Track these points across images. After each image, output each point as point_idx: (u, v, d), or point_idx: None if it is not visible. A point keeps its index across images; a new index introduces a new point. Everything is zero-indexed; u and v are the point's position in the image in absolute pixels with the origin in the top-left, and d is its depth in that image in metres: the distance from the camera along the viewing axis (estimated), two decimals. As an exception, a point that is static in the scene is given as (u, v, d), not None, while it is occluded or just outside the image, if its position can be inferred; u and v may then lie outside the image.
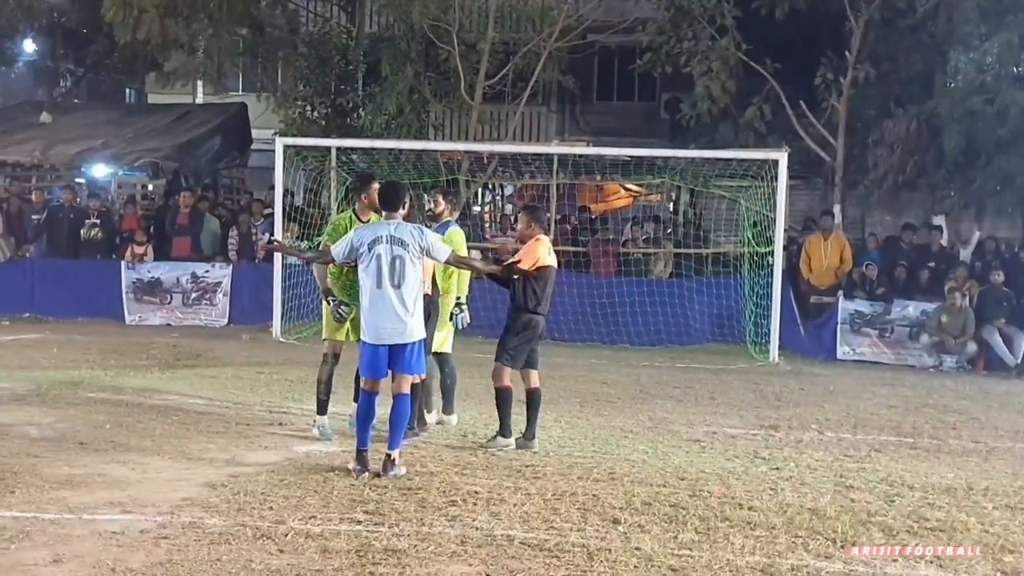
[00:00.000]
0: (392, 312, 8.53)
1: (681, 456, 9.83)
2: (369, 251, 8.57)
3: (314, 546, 6.67)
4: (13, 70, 27.64)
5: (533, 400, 10.10)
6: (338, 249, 8.85)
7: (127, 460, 8.91)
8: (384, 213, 8.90)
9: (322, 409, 10.15)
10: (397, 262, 8.55)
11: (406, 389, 8.75)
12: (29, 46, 26.15)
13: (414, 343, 8.66)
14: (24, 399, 11.67)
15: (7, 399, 11.65)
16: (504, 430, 9.99)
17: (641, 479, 8.72)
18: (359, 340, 8.98)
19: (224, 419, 10.83)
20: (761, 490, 8.52)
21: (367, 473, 8.43)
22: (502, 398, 9.99)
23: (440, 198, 10.91)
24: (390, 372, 8.72)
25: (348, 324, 9.92)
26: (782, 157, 17.41)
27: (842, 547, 7.03)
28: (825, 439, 10.96)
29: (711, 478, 8.87)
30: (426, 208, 11.20)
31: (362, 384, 8.88)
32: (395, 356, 8.64)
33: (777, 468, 9.44)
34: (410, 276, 8.59)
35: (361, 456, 8.55)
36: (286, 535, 6.86)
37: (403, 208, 8.85)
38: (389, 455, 8.55)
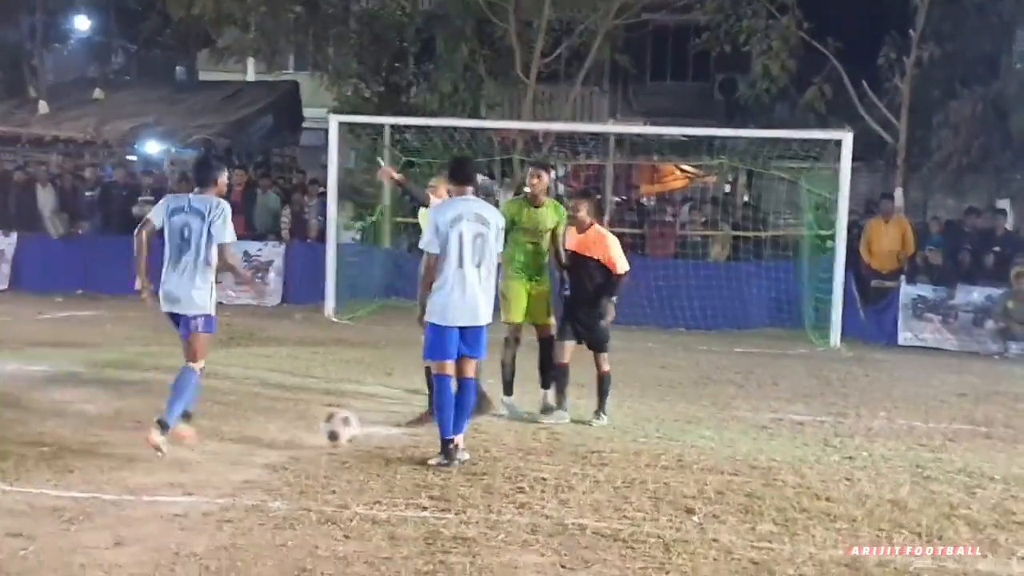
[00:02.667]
0: (473, 293, 8.24)
1: (749, 443, 9.55)
2: (451, 228, 8.24)
3: (381, 532, 6.46)
4: (67, 47, 27.59)
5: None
6: (425, 239, 8.41)
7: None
8: (456, 188, 8.57)
9: (508, 390, 10.25)
10: (479, 240, 8.27)
11: (472, 372, 8.46)
12: (83, 23, 26.07)
13: (486, 326, 8.41)
14: (79, 377, 11.57)
15: (63, 377, 11.54)
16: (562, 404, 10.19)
17: (711, 467, 8.45)
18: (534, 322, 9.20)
19: (281, 399, 10.68)
20: (837, 480, 8.23)
21: (456, 463, 8.11)
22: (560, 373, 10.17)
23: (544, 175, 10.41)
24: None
25: (526, 305, 10.00)
26: (846, 137, 17.02)
27: (928, 542, 6.74)
28: (896, 427, 10.63)
29: (783, 467, 8.59)
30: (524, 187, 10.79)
31: (435, 369, 8.46)
32: (467, 338, 8.32)
33: (850, 457, 9.14)
34: (490, 255, 8.35)
35: (446, 447, 8.19)
36: (351, 520, 6.66)
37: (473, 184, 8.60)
38: (455, 440, 8.26)
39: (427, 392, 9.38)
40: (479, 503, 7.16)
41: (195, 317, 8.62)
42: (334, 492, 7.31)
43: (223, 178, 8.87)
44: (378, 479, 7.69)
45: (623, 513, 7.05)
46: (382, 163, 10.18)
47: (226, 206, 8.63)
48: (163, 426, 8.08)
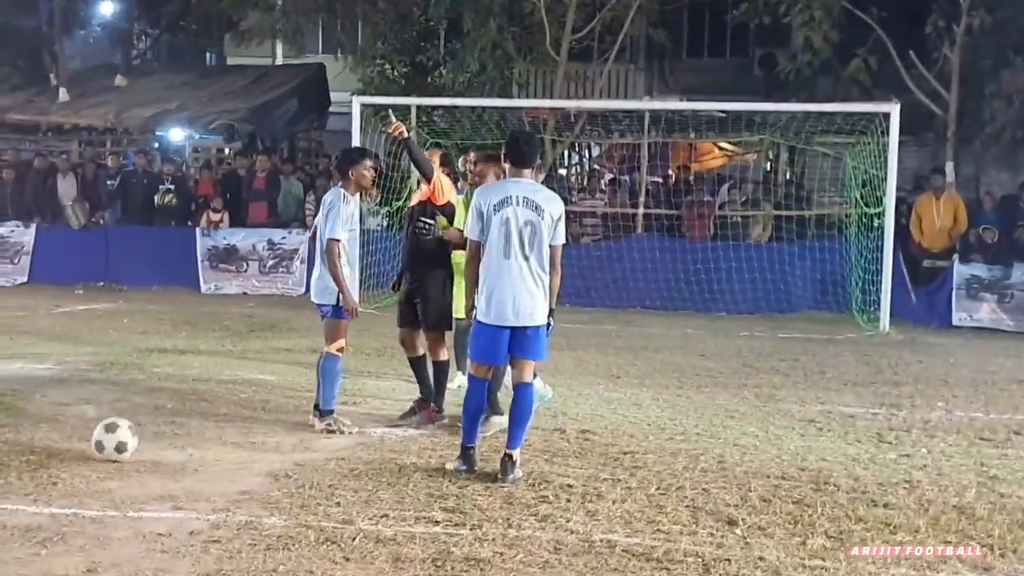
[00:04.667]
0: (522, 287, 7.29)
1: (797, 440, 8.78)
2: (496, 213, 7.34)
3: (385, 553, 5.76)
4: (90, 33, 27.09)
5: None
6: (468, 225, 7.58)
7: (185, 445, 8.11)
8: (511, 169, 7.57)
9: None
10: (528, 228, 7.30)
11: (529, 377, 7.46)
12: (104, 8, 25.53)
13: (541, 325, 7.40)
14: (86, 374, 10.98)
15: (69, 374, 10.98)
16: (495, 408, 8.65)
17: (756, 469, 7.69)
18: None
19: (295, 396, 10.01)
20: (895, 483, 7.44)
21: (471, 473, 7.34)
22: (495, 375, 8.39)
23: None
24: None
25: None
26: (893, 110, 16.16)
27: (1002, 555, 5.97)
28: (955, 419, 9.81)
29: (835, 467, 7.82)
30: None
31: (471, 370, 7.65)
32: (518, 339, 7.35)
33: (907, 455, 8.35)
34: (542, 247, 7.36)
35: (467, 454, 7.43)
36: (353, 539, 5.95)
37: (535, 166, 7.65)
38: (509, 455, 7.27)
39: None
40: (497, 516, 6.44)
41: (319, 307, 8.82)
42: (338, 504, 6.62)
43: (358, 170, 8.75)
44: (388, 488, 6.99)
45: (657, 526, 6.31)
46: (393, 118, 9.30)
47: (334, 198, 8.65)
48: (322, 412, 8.61)
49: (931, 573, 5.69)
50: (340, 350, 8.75)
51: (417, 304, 9.05)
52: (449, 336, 9.30)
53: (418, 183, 9.22)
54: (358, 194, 8.86)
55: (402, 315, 9.24)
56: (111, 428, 7.54)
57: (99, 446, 7.51)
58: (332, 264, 8.54)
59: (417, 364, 9.20)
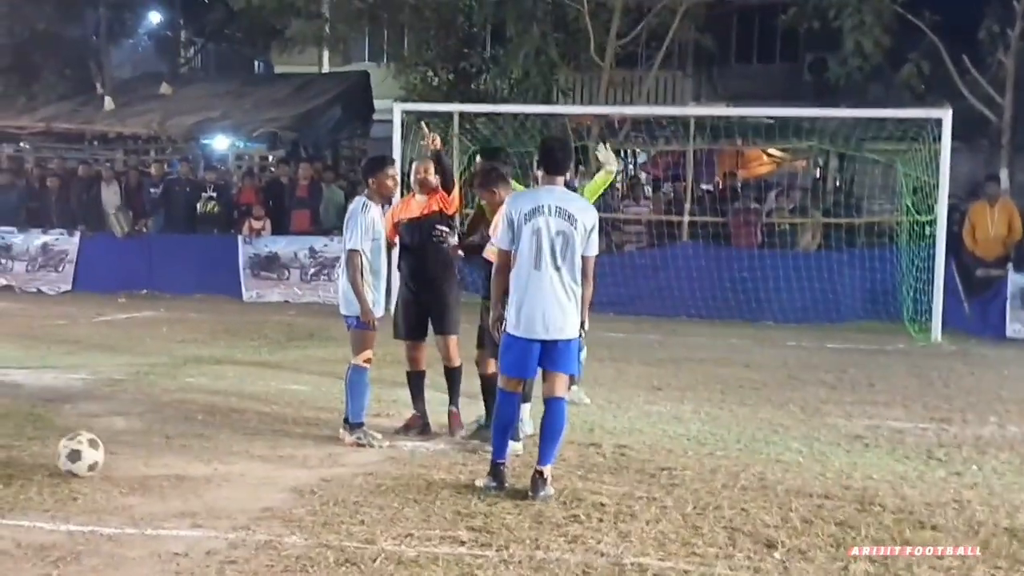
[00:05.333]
0: (553, 299, 7.06)
1: (842, 456, 8.47)
2: (527, 222, 7.10)
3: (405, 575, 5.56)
4: (137, 42, 27.19)
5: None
6: (498, 233, 7.42)
7: (212, 458, 7.93)
8: (544, 177, 7.32)
9: None
10: (561, 238, 7.05)
11: (561, 391, 7.21)
12: (153, 17, 25.62)
13: (572, 339, 7.19)
14: (119, 384, 10.85)
15: (102, 384, 10.85)
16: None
17: (798, 488, 7.39)
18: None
19: (327, 408, 9.82)
20: (943, 502, 7.13)
21: (501, 490, 7.10)
22: (493, 386, 8.19)
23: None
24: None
25: None
26: (946, 116, 15.74)
27: (1056, 585, 5.66)
28: (1008, 435, 9.44)
29: (881, 486, 7.51)
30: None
31: (501, 383, 7.37)
32: (550, 352, 7.13)
33: (958, 473, 8.02)
34: (575, 257, 7.11)
35: (497, 470, 7.19)
36: (374, 560, 5.74)
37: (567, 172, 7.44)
38: (540, 471, 7.04)
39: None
40: (525, 536, 6.20)
41: (345, 318, 8.64)
42: (362, 522, 6.41)
43: (379, 178, 8.63)
44: (415, 505, 6.77)
45: (692, 549, 6.04)
46: (427, 129, 9.15)
47: (355, 207, 8.56)
48: (352, 426, 8.48)
49: (981, 602, 5.39)
50: (367, 361, 8.56)
51: (431, 312, 8.96)
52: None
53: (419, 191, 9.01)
54: (382, 203, 8.68)
55: (409, 326, 9.05)
56: (72, 438, 7.30)
57: (58, 456, 7.25)
58: (352, 274, 8.36)
59: (420, 379, 9.06)
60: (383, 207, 8.80)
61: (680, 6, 21.08)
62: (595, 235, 7.19)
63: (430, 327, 9.07)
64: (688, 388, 11.43)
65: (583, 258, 7.12)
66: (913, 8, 19.65)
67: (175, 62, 26.49)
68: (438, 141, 8.99)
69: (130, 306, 17.97)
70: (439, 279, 8.95)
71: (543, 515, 6.61)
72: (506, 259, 7.20)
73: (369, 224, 8.45)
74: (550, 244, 7.03)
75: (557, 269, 7.05)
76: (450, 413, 9.05)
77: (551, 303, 7.04)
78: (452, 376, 9.07)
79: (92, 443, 7.29)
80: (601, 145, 9.35)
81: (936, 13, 19.71)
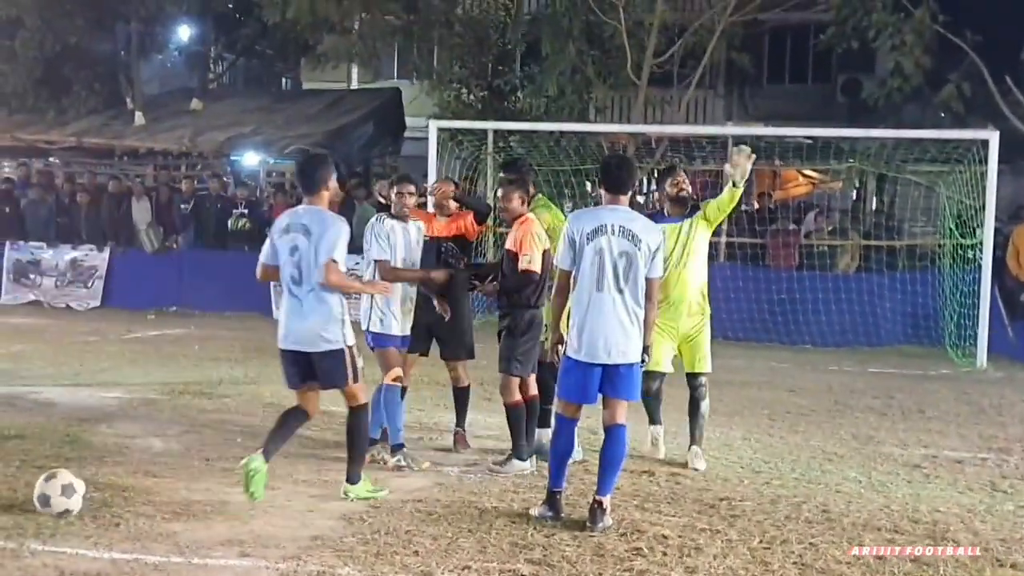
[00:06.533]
0: (615, 323, 6.80)
1: (903, 487, 8.19)
2: (588, 242, 6.83)
3: (468, 612, 5.31)
4: (167, 58, 27.09)
5: (532, 409, 8.45)
6: (558, 253, 7.16)
7: (255, 483, 7.69)
8: (606, 196, 7.06)
9: None
10: (624, 259, 6.80)
11: (622, 419, 6.95)
12: (183, 32, 25.50)
13: (635, 363, 6.92)
14: (154, 404, 10.65)
15: (136, 404, 10.65)
16: (519, 451, 8.27)
17: (864, 521, 7.12)
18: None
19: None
20: (1019, 539, 6.84)
21: (558, 520, 6.85)
22: (517, 415, 8.29)
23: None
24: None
25: None
26: (992, 137, 15.46)
27: None
28: (1071, 466, 9.16)
29: (950, 520, 7.23)
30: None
31: (559, 409, 7.15)
32: (611, 377, 6.86)
33: (1026, 506, 7.74)
34: (638, 279, 6.85)
35: (553, 500, 6.94)
36: (434, 594, 5.51)
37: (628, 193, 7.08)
38: (599, 501, 6.78)
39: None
40: (588, 571, 5.95)
41: (366, 335, 8.44)
42: (416, 553, 6.17)
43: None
44: (469, 536, 6.52)
45: (764, 586, 5.79)
46: (429, 184, 9.17)
47: (371, 222, 8.57)
48: (392, 448, 8.36)
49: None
50: (397, 379, 8.38)
51: (439, 335, 8.91)
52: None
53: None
54: (400, 218, 8.46)
55: (412, 338, 8.73)
56: (50, 478, 6.68)
57: (44, 499, 6.60)
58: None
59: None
60: (406, 222, 8.53)
61: (717, 26, 20.84)
62: (660, 256, 6.95)
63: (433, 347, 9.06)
64: (735, 413, 11.16)
65: (647, 280, 6.86)
66: (954, 28, 19.35)
67: (205, 77, 26.33)
68: (449, 192, 8.97)
69: (160, 323, 17.80)
70: (456, 301, 8.80)
71: (604, 547, 6.36)
72: (566, 280, 6.96)
73: (385, 235, 8.30)
74: (612, 265, 6.79)
75: (620, 291, 6.80)
76: (456, 433, 9.11)
77: (613, 326, 6.79)
78: (461, 397, 9.11)
79: (66, 489, 6.62)
80: (735, 150, 8.56)
81: (977, 33, 19.39)
